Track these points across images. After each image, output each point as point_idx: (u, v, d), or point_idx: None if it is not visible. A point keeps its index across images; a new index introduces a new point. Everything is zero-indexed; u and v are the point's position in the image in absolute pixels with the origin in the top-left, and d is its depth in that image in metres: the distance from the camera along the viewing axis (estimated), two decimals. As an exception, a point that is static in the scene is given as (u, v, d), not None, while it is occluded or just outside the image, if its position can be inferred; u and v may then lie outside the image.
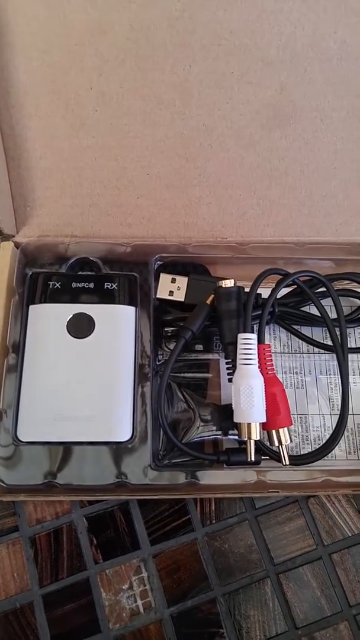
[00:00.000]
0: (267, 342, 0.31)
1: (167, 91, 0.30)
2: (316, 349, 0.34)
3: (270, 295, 0.30)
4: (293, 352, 0.34)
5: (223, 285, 0.30)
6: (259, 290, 0.31)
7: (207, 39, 0.29)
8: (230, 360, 0.30)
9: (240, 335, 0.29)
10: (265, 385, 0.29)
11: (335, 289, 0.32)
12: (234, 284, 0.30)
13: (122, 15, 0.28)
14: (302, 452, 0.32)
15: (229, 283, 0.30)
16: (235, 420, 0.28)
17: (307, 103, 0.31)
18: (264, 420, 0.28)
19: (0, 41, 0.28)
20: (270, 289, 0.30)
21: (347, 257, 0.35)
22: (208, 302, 0.31)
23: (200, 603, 0.30)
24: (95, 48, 0.29)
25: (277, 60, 0.29)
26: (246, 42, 0.29)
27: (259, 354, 0.29)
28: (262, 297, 0.32)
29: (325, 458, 0.30)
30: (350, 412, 0.32)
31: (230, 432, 0.31)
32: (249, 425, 0.28)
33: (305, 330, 0.34)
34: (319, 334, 0.34)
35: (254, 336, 0.29)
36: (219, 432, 0.31)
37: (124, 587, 0.30)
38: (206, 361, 0.33)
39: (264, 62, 0.29)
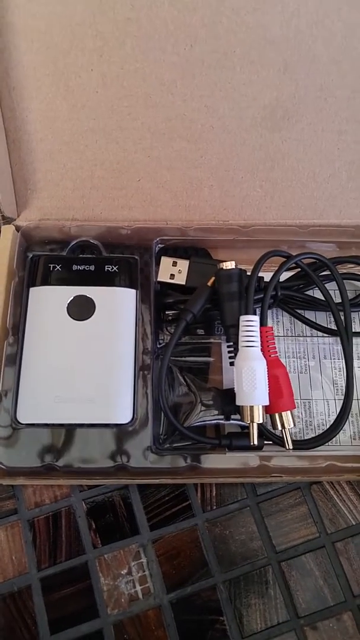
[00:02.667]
0: (271, 326, 0.31)
1: (168, 72, 0.30)
2: (320, 333, 0.33)
3: (272, 278, 0.30)
4: (296, 336, 0.33)
5: (224, 267, 0.30)
6: (262, 274, 0.31)
7: (209, 17, 0.28)
8: (231, 343, 0.29)
9: (242, 318, 0.29)
10: (267, 368, 0.28)
11: (339, 272, 0.32)
12: (235, 266, 0.30)
13: (122, -6, 0.28)
14: (306, 438, 0.31)
15: (230, 265, 0.30)
16: (238, 403, 0.28)
17: (310, 82, 0.30)
18: (267, 402, 0.28)
19: (1, 22, 0.28)
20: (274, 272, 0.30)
21: (350, 240, 0.35)
22: (209, 284, 0.30)
23: (200, 590, 0.29)
24: (96, 29, 0.29)
25: (280, 38, 0.29)
26: (248, 20, 0.28)
27: (261, 337, 0.29)
28: (265, 280, 0.31)
29: (329, 443, 0.30)
30: (355, 397, 0.32)
31: (233, 416, 0.31)
32: (251, 408, 0.27)
33: (309, 315, 0.33)
34: (322, 318, 0.34)
35: (256, 318, 0.29)
36: (221, 417, 0.31)
37: (122, 573, 0.30)
38: (208, 345, 0.33)
39: (267, 40, 0.29)
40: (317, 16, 0.28)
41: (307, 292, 0.33)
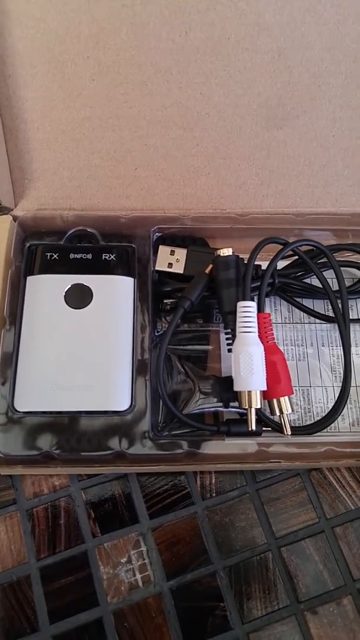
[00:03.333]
0: (267, 312, 0.31)
1: (163, 59, 0.30)
2: (318, 321, 0.33)
3: (269, 265, 0.30)
4: (294, 323, 0.34)
5: (221, 254, 0.30)
6: (260, 263, 0.31)
7: (203, 4, 0.28)
8: (229, 329, 0.29)
9: (240, 304, 0.29)
10: (265, 354, 0.28)
11: (336, 260, 0.32)
12: (233, 253, 0.30)
13: (117, -18, 0.28)
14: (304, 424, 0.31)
15: (226, 252, 0.30)
16: (235, 388, 0.28)
17: (304, 69, 0.30)
18: (265, 387, 0.28)
19: (-4, 9, 0.28)
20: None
21: (347, 228, 0.35)
22: (207, 271, 0.30)
23: (200, 577, 0.29)
24: (91, 15, 0.29)
25: (274, 25, 0.29)
26: (242, 7, 0.29)
27: (258, 323, 0.29)
28: (262, 269, 0.31)
29: (328, 429, 0.30)
30: (353, 384, 0.32)
31: (231, 404, 0.31)
32: (249, 393, 0.27)
33: (307, 302, 0.33)
34: (320, 305, 0.34)
35: (254, 304, 0.29)
36: (220, 404, 0.31)
37: (122, 561, 0.30)
38: (206, 333, 0.33)
39: (261, 27, 0.29)
40: (309, 2, 0.28)
41: (306, 280, 0.33)
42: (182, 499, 0.31)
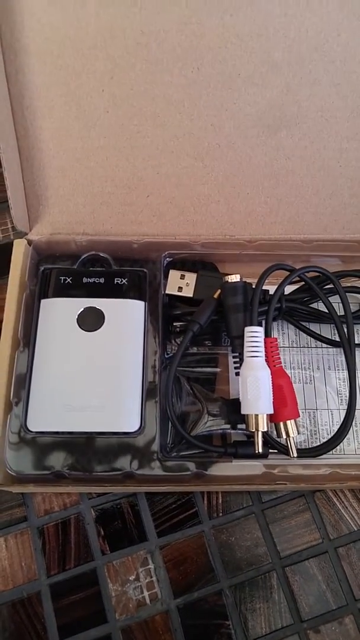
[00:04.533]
0: (275, 337, 0.32)
1: (176, 92, 0.31)
2: (325, 345, 0.34)
3: (276, 291, 0.31)
4: (301, 347, 0.34)
5: (229, 280, 0.31)
6: (267, 287, 0.32)
7: (215, 42, 0.30)
8: (237, 353, 0.30)
9: (247, 329, 0.29)
10: (272, 377, 0.29)
11: (342, 285, 0.33)
12: (240, 279, 0.31)
13: (132, 21, 0.29)
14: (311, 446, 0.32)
15: (235, 278, 0.31)
16: (243, 412, 0.29)
17: (312, 103, 0.32)
18: (271, 411, 0.29)
19: (16, 45, 0.30)
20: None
21: (354, 254, 0.35)
22: (215, 296, 0.31)
23: (207, 595, 0.30)
24: (107, 52, 0.30)
25: (283, 62, 0.30)
26: (252, 45, 0.30)
27: (265, 347, 0.30)
28: (270, 293, 0.32)
29: (333, 452, 0.30)
30: (358, 406, 0.33)
31: (239, 425, 0.32)
32: (256, 416, 0.28)
33: (314, 327, 0.34)
34: (327, 329, 0.34)
35: (261, 329, 0.29)
36: (228, 426, 0.32)
37: (130, 578, 0.31)
38: (215, 356, 0.34)
39: (270, 64, 0.30)
40: (317, 41, 0.30)
41: (312, 305, 0.34)
42: (190, 518, 0.32)
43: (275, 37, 0.30)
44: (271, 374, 0.29)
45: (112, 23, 0.29)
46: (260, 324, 0.30)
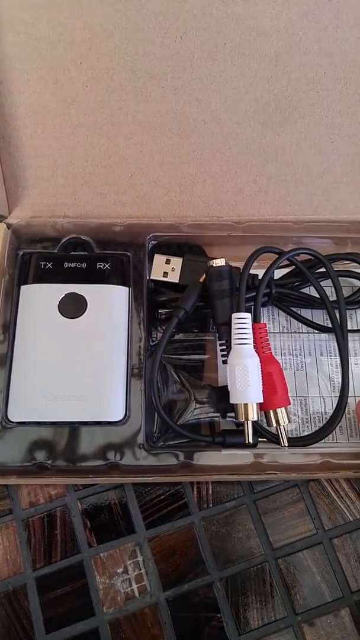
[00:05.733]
0: (265, 323, 0.31)
1: (158, 64, 0.29)
2: (316, 330, 0.33)
3: (264, 275, 0.30)
4: (292, 332, 0.33)
5: (214, 265, 0.29)
6: (257, 272, 0.30)
7: (198, 8, 0.28)
8: (224, 341, 0.29)
9: (235, 315, 0.28)
10: (261, 365, 0.28)
11: (335, 269, 0.31)
12: (226, 263, 0.29)
13: (110, -14, 0.27)
14: (302, 435, 0.31)
15: (219, 262, 0.29)
16: (232, 401, 0.28)
17: (302, 75, 0.30)
18: (261, 400, 0.27)
19: (-13, 15, 0.28)
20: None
21: (346, 235, 0.34)
22: (201, 280, 0.30)
23: (197, 587, 0.29)
24: (84, 21, 0.28)
25: (271, 29, 0.28)
26: (238, 12, 0.28)
27: (254, 334, 0.28)
28: (259, 278, 0.31)
29: (326, 440, 0.30)
30: (352, 394, 0.32)
31: (229, 414, 0.31)
32: (245, 405, 0.27)
33: (306, 312, 0.33)
34: (319, 315, 0.33)
35: (249, 315, 0.28)
36: (216, 414, 0.31)
37: (118, 571, 0.30)
38: (202, 342, 0.33)
39: (257, 32, 0.29)
40: (307, 7, 0.28)
41: (304, 289, 0.33)
42: (179, 509, 0.31)
43: (263, 1, 0.28)
44: (260, 361, 0.28)
45: (88, -11, 0.27)
46: (248, 310, 0.29)
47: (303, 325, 0.33)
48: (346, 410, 0.31)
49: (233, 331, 0.28)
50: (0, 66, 0.29)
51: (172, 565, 0.30)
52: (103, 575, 0.30)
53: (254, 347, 0.28)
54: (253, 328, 0.28)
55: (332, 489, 0.31)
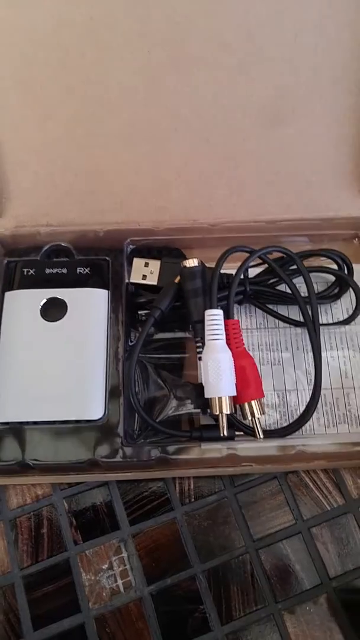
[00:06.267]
0: (243, 320, 0.32)
1: (128, 78, 0.31)
2: (292, 326, 0.34)
3: (236, 273, 0.31)
4: (270, 328, 0.34)
5: (187, 265, 0.31)
6: (232, 272, 0.32)
7: (163, 24, 0.29)
8: (199, 338, 0.30)
9: (207, 312, 0.29)
10: (234, 360, 0.29)
11: (309, 265, 0.32)
12: (199, 263, 0.31)
13: (81, 7, 0.29)
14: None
15: (193, 262, 0.31)
16: (206, 395, 0.29)
17: (266, 81, 0.31)
18: (234, 393, 0.28)
19: (-36, 38, 0.30)
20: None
21: (321, 232, 0.35)
22: (176, 281, 0.31)
23: (180, 581, 0.30)
24: (58, 40, 0.30)
25: (233, 40, 0.30)
26: (200, 25, 0.30)
27: (227, 330, 0.29)
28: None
29: (303, 432, 0.30)
30: (328, 386, 0.32)
31: (209, 410, 0.31)
32: (219, 399, 0.28)
33: (282, 309, 0.34)
34: (295, 311, 0.34)
35: (220, 312, 0.29)
36: (197, 410, 0.31)
37: (103, 567, 0.30)
38: (182, 341, 0.34)
39: (220, 43, 0.30)
40: (267, 17, 0.29)
41: (280, 287, 0.34)
42: (162, 505, 0.32)
43: (223, 14, 0.29)
44: (233, 355, 0.29)
45: (60, 11, 0.29)
46: (220, 308, 0.30)
47: (279, 321, 0.34)
48: (322, 402, 0.32)
49: (206, 328, 0.29)
50: (-21, 85, 0.31)
51: (156, 560, 0.30)
52: (89, 572, 0.30)
53: (227, 342, 0.29)
54: (226, 324, 0.29)
55: (310, 480, 0.32)
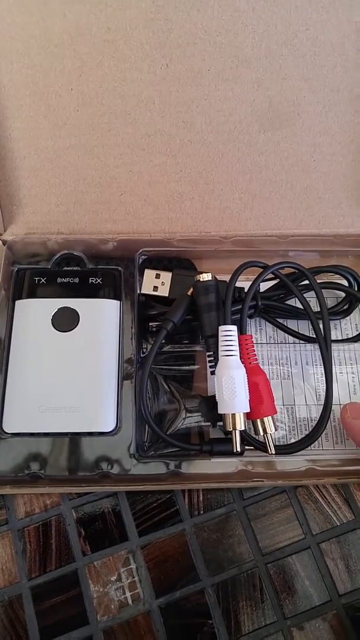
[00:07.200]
0: (252, 334, 0.32)
1: (145, 90, 0.31)
2: (302, 341, 0.34)
3: (250, 288, 0.31)
4: (279, 343, 0.34)
5: (201, 279, 0.31)
6: (243, 285, 0.32)
7: (183, 38, 0.29)
8: (211, 353, 0.30)
9: (221, 328, 0.29)
10: (247, 375, 0.29)
11: (319, 281, 0.33)
12: (212, 278, 0.31)
13: (99, 18, 0.29)
14: (289, 443, 0.32)
15: (206, 277, 0.31)
16: (220, 411, 0.29)
17: (283, 98, 0.31)
18: (248, 410, 0.28)
19: (-19, 46, 0.29)
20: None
21: (331, 249, 0.35)
22: (189, 293, 0.31)
23: (189, 594, 0.30)
24: (74, 50, 0.30)
25: (252, 57, 0.30)
26: (221, 41, 0.30)
27: (240, 345, 0.29)
28: (245, 291, 0.32)
29: (312, 448, 0.30)
30: (337, 402, 0.33)
31: (219, 423, 0.31)
32: (233, 415, 0.28)
33: (292, 323, 0.34)
34: (305, 326, 0.34)
35: (234, 328, 0.29)
36: (207, 423, 0.31)
37: (112, 579, 0.30)
38: (192, 353, 0.34)
39: (239, 59, 0.30)
40: (286, 36, 0.29)
41: (290, 301, 0.34)
42: (171, 517, 0.32)
43: (243, 32, 0.29)
44: (247, 371, 0.29)
45: (78, 20, 0.29)
46: (234, 322, 0.30)
47: (289, 335, 0.34)
48: (331, 418, 0.32)
49: (220, 343, 0.29)
50: (-5, 93, 0.30)
51: (165, 573, 0.31)
52: (97, 584, 0.30)
53: (241, 358, 0.29)
54: (239, 339, 0.29)
55: (319, 494, 0.32)
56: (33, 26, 0.29)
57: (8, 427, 0.29)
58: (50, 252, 0.34)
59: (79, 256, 0.34)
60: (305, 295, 0.32)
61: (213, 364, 0.30)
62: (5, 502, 0.32)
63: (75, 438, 0.29)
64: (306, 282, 0.32)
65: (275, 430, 0.29)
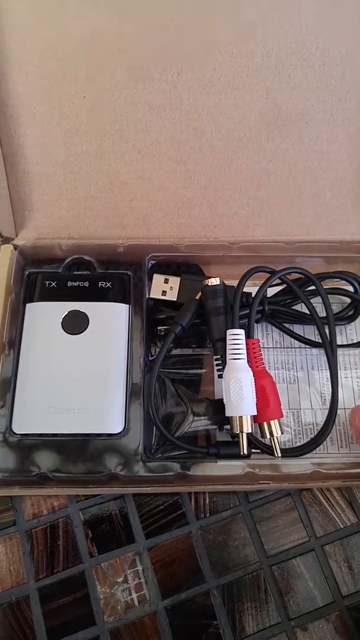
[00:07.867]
0: (259, 338, 0.32)
1: (157, 97, 0.31)
2: (308, 345, 0.34)
3: (257, 293, 0.31)
4: (285, 347, 0.35)
5: (209, 284, 0.31)
6: (250, 290, 0.32)
7: (194, 47, 0.30)
8: (219, 356, 0.31)
9: (229, 332, 0.30)
10: (254, 379, 0.29)
11: (325, 287, 0.33)
12: (220, 282, 0.31)
13: (111, 27, 0.29)
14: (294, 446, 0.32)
15: (215, 281, 0.31)
16: (227, 414, 0.29)
17: (292, 107, 0.32)
18: (255, 412, 0.29)
19: (-2, 55, 0.30)
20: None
21: (337, 255, 0.36)
22: (197, 297, 0.32)
23: (195, 595, 0.30)
24: (87, 59, 0.30)
25: (262, 66, 0.31)
26: (231, 50, 0.30)
27: (247, 349, 0.30)
28: (252, 296, 0.32)
29: (317, 451, 0.31)
30: (342, 406, 0.33)
31: (225, 426, 0.32)
32: (240, 418, 0.28)
33: (298, 328, 0.34)
34: (311, 330, 0.35)
35: (242, 332, 0.30)
36: (213, 426, 0.32)
37: (119, 580, 0.31)
38: (200, 357, 0.34)
39: (249, 68, 0.31)
40: (295, 46, 0.30)
41: (297, 306, 0.34)
42: (177, 519, 0.32)
43: (253, 41, 0.30)
44: (254, 375, 0.29)
45: (91, 30, 0.30)
46: (242, 326, 0.30)
47: (295, 340, 0.35)
48: (336, 422, 0.32)
49: (227, 347, 0.29)
50: (9, 102, 0.31)
51: (171, 574, 0.31)
52: (104, 585, 0.31)
53: (248, 361, 0.30)
54: (247, 343, 0.30)
55: (323, 497, 0.32)
56: (47, 36, 0.29)
57: (17, 428, 0.29)
58: (61, 256, 0.35)
59: (89, 260, 0.34)
60: (311, 300, 0.32)
61: (221, 367, 0.30)
62: (13, 503, 0.32)
63: (83, 439, 0.29)
64: (312, 287, 0.33)
65: (282, 433, 0.30)
